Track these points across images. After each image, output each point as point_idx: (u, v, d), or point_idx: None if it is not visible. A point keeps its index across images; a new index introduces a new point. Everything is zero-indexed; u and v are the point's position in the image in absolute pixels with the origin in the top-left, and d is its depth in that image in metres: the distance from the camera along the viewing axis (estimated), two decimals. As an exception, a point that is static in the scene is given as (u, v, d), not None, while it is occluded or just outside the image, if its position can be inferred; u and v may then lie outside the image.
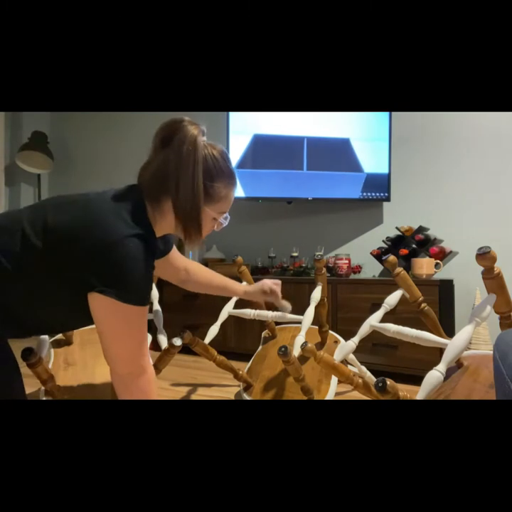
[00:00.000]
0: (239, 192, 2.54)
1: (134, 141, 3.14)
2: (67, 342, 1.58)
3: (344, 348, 1.31)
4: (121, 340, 0.83)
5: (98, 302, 0.80)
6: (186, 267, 1.26)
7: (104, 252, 0.77)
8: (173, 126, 0.85)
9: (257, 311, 1.70)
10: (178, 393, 1.72)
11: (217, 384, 1.88)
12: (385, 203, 2.44)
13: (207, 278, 1.32)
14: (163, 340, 1.73)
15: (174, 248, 1.20)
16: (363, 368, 1.66)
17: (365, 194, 2.37)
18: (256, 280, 1.82)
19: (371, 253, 2.26)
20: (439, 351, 1.72)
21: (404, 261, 2.12)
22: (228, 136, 2.53)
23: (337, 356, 1.32)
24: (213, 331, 1.72)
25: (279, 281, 1.41)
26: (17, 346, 0.92)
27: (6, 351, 0.89)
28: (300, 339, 1.48)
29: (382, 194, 2.35)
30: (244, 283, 1.48)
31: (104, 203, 0.83)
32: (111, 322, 0.82)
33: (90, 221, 0.79)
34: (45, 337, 1.43)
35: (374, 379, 1.59)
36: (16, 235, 0.81)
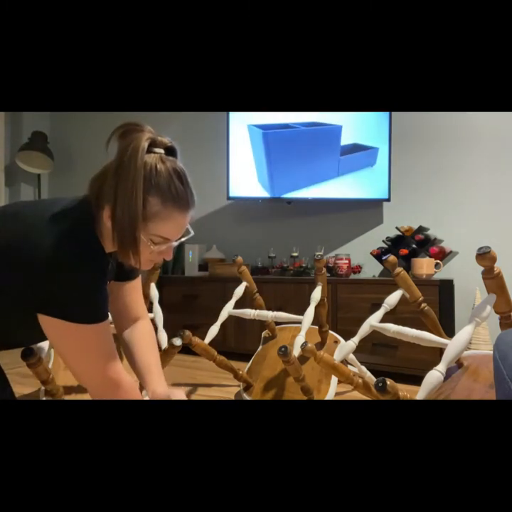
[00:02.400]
0: (239, 192, 2.54)
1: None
2: (67, 342, 1.58)
3: (344, 348, 1.31)
4: (81, 359, 0.79)
5: (47, 323, 0.76)
6: (138, 319, 1.05)
7: (45, 272, 0.72)
8: (118, 130, 0.79)
9: (257, 311, 1.70)
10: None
11: (217, 384, 1.88)
12: (385, 203, 2.44)
13: (137, 351, 1.02)
14: (163, 340, 1.73)
15: (135, 286, 1.03)
16: (363, 368, 1.66)
17: (365, 194, 2.37)
18: (256, 280, 1.83)
19: (371, 253, 2.26)
20: (439, 351, 1.72)
21: (404, 261, 2.12)
22: (228, 137, 2.53)
23: (337, 356, 1.32)
24: (213, 331, 1.72)
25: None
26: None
27: None
28: (300, 339, 1.48)
29: (382, 194, 2.35)
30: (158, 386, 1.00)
31: (45, 217, 0.77)
32: (65, 342, 0.78)
33: (28, 239, 0.74)
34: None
35: (374, 379, 1.59)
36: None
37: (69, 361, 0.80)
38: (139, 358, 1.00)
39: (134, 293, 1.03)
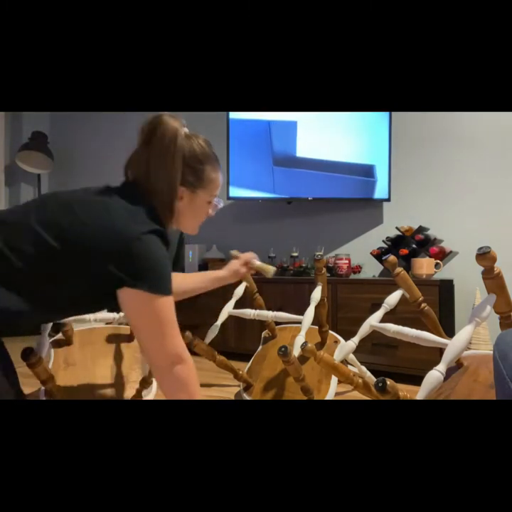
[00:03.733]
0: (239, 192, 2.54)
1: (134, 141, 3.13)
2: (67, 342, 1.58)
3: (344, 348, 1.31)
4: (157, 331, 0.85)
5: (130, 297, 0.83)
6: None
7: (128, 250, 0.80)
8: (155, 121, 0.91)
9: (257, 311, 1.70)
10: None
11: (217, 384, 1.88)
12: (385, 203, 2.44)
13: (189, 284, 1.31)
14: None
15: None
16: (363, 368, 1.66)
17: (365, 194, 2.37)
18: (256, 280, 1.83)
19: (371, 253, 2.26)
20: (439, 351, 1.72)
21: (404, 261, 2.12)
22: (228, 136, 2.53)
23: (337, 356, 1.32)
24: (213, 331, 1.72)
25: (240, 256, 1.37)
26: (17, 346, 0.92)
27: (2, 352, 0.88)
28: (300, 339, 1.48)
29: (382, 194, 2.35)
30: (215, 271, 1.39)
31: (114, 202, 0.86)
32: (145, 315, 0.84)
33: (107, 220, 0.83)
34: (45, 337, 1.43)
35: (374, 379, 1.59)
36: (27, 234, 0.81)
37: (144, 333, 0.86)
38: (194, 280, 1.32)
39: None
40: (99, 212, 0.84)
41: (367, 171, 2.36)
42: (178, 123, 0.92)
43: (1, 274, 0.79)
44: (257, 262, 1.38)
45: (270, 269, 1.38)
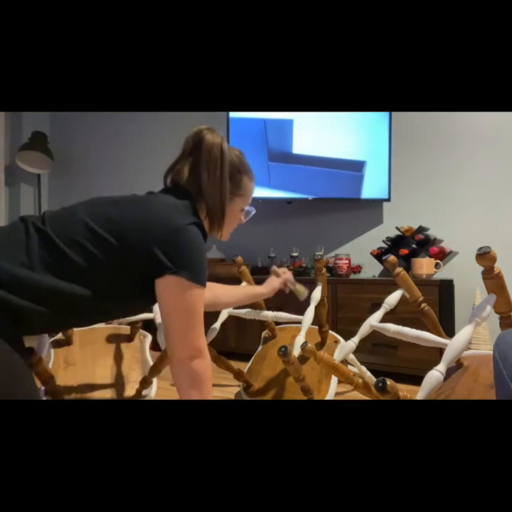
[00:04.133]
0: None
1: (134, 141, 3.14)
2: (67, 342, 1.59)
3: (344, 348, 1.31)
4: (186, 321, 0.88)
5: (170, 283, 0.86)
6: (209, 289, 1.27)
7: (174, 237, 0.85)
8: (200, 134, 0.98)
9: (257, 311, 1.70)
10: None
11: (217, 384, 1.88)
12: (385, 203, 2.44)
13: (230, 297, 1.36)
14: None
15: None
16: (363, 368, 1.66)
17: (364, 194, 2.37)
18: (256, 280, 1.83)
19: (371, 253, 2.26)
20: (439, 351, 1.72)
21: (404, 261, 2.12)
22: (228, 136, 2.53)
23: (337, 356, 1.32)
24: (213, 331, 1.72)
25: (284, 271, 1.49)
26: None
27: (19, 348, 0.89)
28: (300, 339, 1.48)
29: (382, 194, 2.35)
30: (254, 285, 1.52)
31: (160, 200, 0.93)
32: (179, 302, 0.87)
33: (155, 214, 0.88)
34: (45, 337, 1.43)
35: (374, 379, 1.59)
36: (79, 227, 0.85)
37: (173, 320, 0.88)
38: (237, 296, 1.36)
39: None
40: (146, 206, 0.90)
41: (357, 167, 2.36)
42: (220, 137, 0.99)
43: (59, 266, 0.81)
44: (294, 284, 1.48)
45: (304, 293, 1.48)
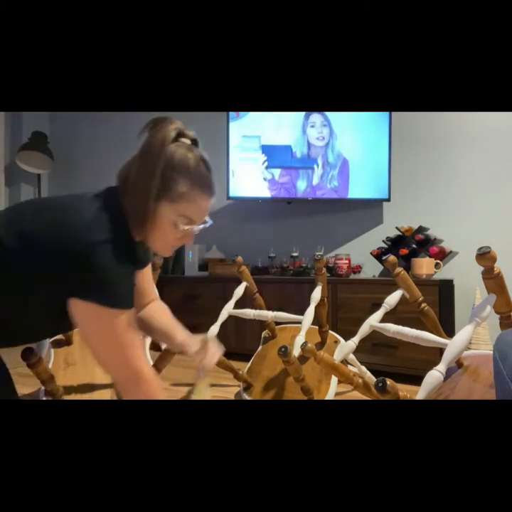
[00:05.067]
0: (239, 192, 2.54)
1: (134, 141, 3.13)
2: (67, 342, 1.58)
3: (344, 348, 1.31)
4: (108, 345, 0.81)
5: (80, 308, 0.78)
6: (151, 301, 1.12)
7: (82, 258, 0.75)
8: (149, 123, 0.85)
9: (257, 311, 1.70)
10: (178, 393, 1.72)
11: (217, 384, 1.88)
12: (385, 203, 2.44)
13: (157, 323, 1.10)
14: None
15: (147, 272, 1.08)
16: (363, 368, 1.66)
17: (365, 194, 2.37)
18: (256, 280, 1.83)
19: (371, 253, 2.26)
20: (439, 351, 1.72)
21: (404, 261, 2.12)
22: (228, 136, 2.53)
23: (337, 356, 1.32)
24: (213, 331, 1.72)
25: (213, 354, 1.10)
26: (18, 346, 0.92)
27: None
28: (300, 339, 1.48)
29: (382, 194, 2.35)
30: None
31: (79, 208, 0.80)
32: (95, 328, 0.80)
33: (65, 228, 0.77)
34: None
35: (374, 379, 1.59)
36: None
37: (96, 347, 0.82)
38: (161, 322, 1.10)
39: (146, 278, 1.08)
40: (59, 218, 0.79)
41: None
42: (174, 127, 0.84)
43: None
44: (204, 377, 1.09)
45: (202, 395, 1.07)
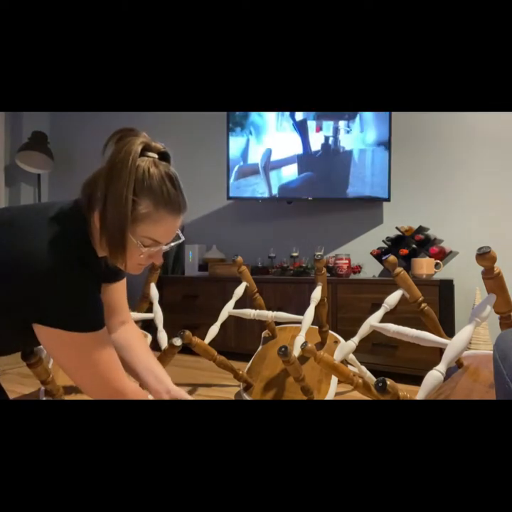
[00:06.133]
0: (239, 192, 2.54)
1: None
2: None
3: (344, 348, 1.31)
4: (82, 369, 0.78)
5: (44, 333, 0.74)
6: (124, 323, 1.04)
7: (39, 282, 0.71)
8: (114, 137, 0.79)
9: (257, 311, 1.70)
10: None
11: (217, 384, 1.88)
12: (385, 203, 2.44)
13: (133, 356, 1.00)
14: (163, 340, 1.73)
15: (120, 288, 1.01)
16: (363, 368, 1.66)
17: (365, 194, 2.37)
18: (256, 280, 1.83)
19: (371, 253, 2.26)
20: (439, 351, 1.72)
21: (404, 261, 2.12)
22: (228, 136, 2.53)
23: (337, 356, 1.32)
24: (213, 331, 1.72)
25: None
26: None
27: None
28: (300, 339, 1.48)
29: (382, 194, 2.35)
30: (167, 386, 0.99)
31: (32, 226, 0.76)
32: (64, 352, 0.76)
33: (17, 251, 0.72)
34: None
35: (374, 379, 1.59)
36: None
37: (70, 372, 0.79)
38: (138, 361, 0.98)
39: (119, 294, 1.01)
40: (17, 238, 0.74)
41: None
42: (139, 141, 0.77)
43: None
44: None
45: None
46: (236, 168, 2.52)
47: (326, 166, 2.41)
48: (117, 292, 1.01)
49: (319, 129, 2.41)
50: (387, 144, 2.33)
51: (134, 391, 0.83)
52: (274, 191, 2.48)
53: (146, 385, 0.98)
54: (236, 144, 2.51)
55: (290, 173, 2.45)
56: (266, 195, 2.49)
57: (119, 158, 0.75)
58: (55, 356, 0.78)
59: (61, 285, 0.72)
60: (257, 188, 2.49)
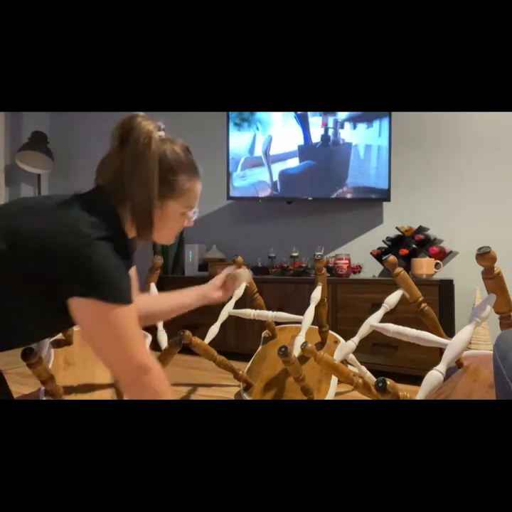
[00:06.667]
0: (239, 192, 2.54)
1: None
2: (67, 342, 1.58)
3: (344, 348, 1.31)
4: (113, 343, 0.80)
5: (81, 307, 0.77)
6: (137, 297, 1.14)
7: (77, 256, 0.75)
8: (129, 123, 0.84)
9: (257, 311, 1.70)
10: (178, 393, 1.71)
11: (217, 384, 1.88)
12: (385, 203, 2.44)
13: (153, 307, 1.14)
14: (163, 340, 1.73)
15: (133, 271, 1.07)
16: (363, 368, 1.66)
17: (365, 194, 2.37)
18: (256, 280, 1.83)
19: (371, 253, 2.26)
20: (439, 351, 1.72)
21: (404, 261, 2.12)
22: (228, 136, 2.53)
23: (337, 356, 1.32)
24: (213, 331, 1.72)
25: (227, 271, 1.21)
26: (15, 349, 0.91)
27: None
28: (300, 339, 1.48)
29: (382, 194, 2.35)
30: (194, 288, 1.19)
31: (70, 207, 0.81)
32: (98, 326, 0.79)
33: (59, 226, 0.78)
34: (45, 337, 1.43)
35: (374, 379, 1.59)
36: None
37: (99, 345, 0.82)
38: (162, 301, 1.15)
39: (134, 276, 1.09)
40: (52, 217, 0.79)
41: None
42: (154, 125, 0.85)
43: None
44: (235, 272, 1.21)
45: (246, 276, 1.23)
46: (242, 160, 2.57)
47: (325, 155, 2.40)
48: (133, 274, 1.09)
49: (324, 123, 2.42)
50: (387, 144, 2.33)
51: (158, 370, 0.85)
52: (275, 178, 2.49)
53: (186, 305, 1.15)
54: (243, 138, 2.53)
55: (292, 164, 2.47)
56: (267, 181, 2.49)
57: (141, 144, 0.83)
58: (88, 330, 0.81)
59: (104, 258, 0.77)
60: (260, 177, 2.53)
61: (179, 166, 0.88)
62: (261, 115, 2.51)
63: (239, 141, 2.55)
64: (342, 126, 2.38)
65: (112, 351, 0.81)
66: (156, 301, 1.19)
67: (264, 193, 2.51)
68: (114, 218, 0.85)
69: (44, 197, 0.87)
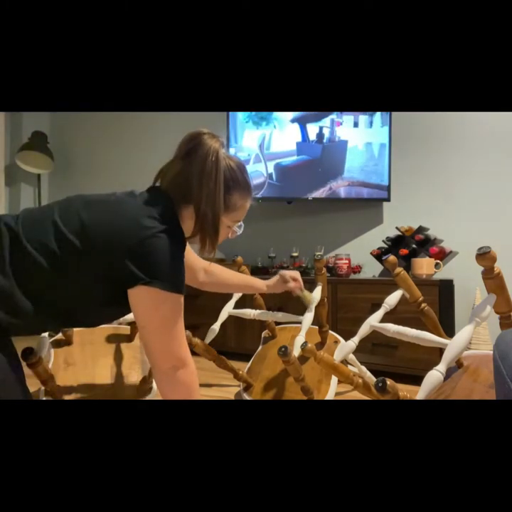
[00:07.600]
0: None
1: (133, 141, 3.14)
2: (67, 342, 1.58)
3: (344, 348, 1.31)
4: (164, 331, 0.86)
5: (143, 294, 0.83)
6: (205, 268, 1.30)
7: (143, 246, 0.81)
8: (197, 138, 0.91)
9: (257, 311, 1.70)
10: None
11: (217, 384, 1.88)
12: (385, 203, 2.44)
13: (227, 278, 1.37)
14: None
15: (189, 248, 1.19)
16: (363, 368, 1.66)
17: (365, 194, 2.37)
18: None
19: (371, 253, 2.26)
20: (439, 351, 1.72)
21: (404, 261, 2.12)
22: (228, 136, 2.53)
23: (337, 356, 1.32)
24: (213, 331, 1.72)
25: (294, 278, 1.44)
26: (18, 346, 0.92)
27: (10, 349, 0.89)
28: (300, 339, 1.47)
29: (382, 194, 2.35)
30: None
31: (135, 202, 0.88)
32: (155, 313, 0.84)
33: (125, 219, 0.84)
34: (45, 337, 1.43)
35: (374, 379, 1.59)
36: (49, 231, 0.82)
37: (152, 332, 0.86)
38: (231, 279, 1.37)
39: (191, 253, 1.24)
40: (117, 210, 0.86)
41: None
42: (219, 144, 0.92)
43: (25, 268, 0.80)
44: (303, 291, 1.46)
45: (311, 301, 1.51)
46: (253, 156, 2.56)
47: (322, 151, 2.40)
48: (189, 253, 1.22)
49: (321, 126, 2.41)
50: (387, 144, 2.33)
51: (193, 366, 0.90)
52: (270, 170, 2.48)
53: (256, 288, 1.43)
54: (255, 135, 2.53)
55: (289, 160, 2.47)
56: (263, 172, 2.48)
57: (210, 161, 0.89)
58: (146, 318, 0.85)
59: (167, 249, 0.83)
60: (258, 168, 2.52)
61: (235, 184, 0.95)
62: (265, 114, 2.50)
63: (251, 138, 2.54)
64: (341, 125, 2.38)
65: (160, 339, 0.86)
66: (228, 272, 1.37)
67: (259, 180, 2.48)
68: (175, 216, 0.91)
69: (108, 194, 0.93)
